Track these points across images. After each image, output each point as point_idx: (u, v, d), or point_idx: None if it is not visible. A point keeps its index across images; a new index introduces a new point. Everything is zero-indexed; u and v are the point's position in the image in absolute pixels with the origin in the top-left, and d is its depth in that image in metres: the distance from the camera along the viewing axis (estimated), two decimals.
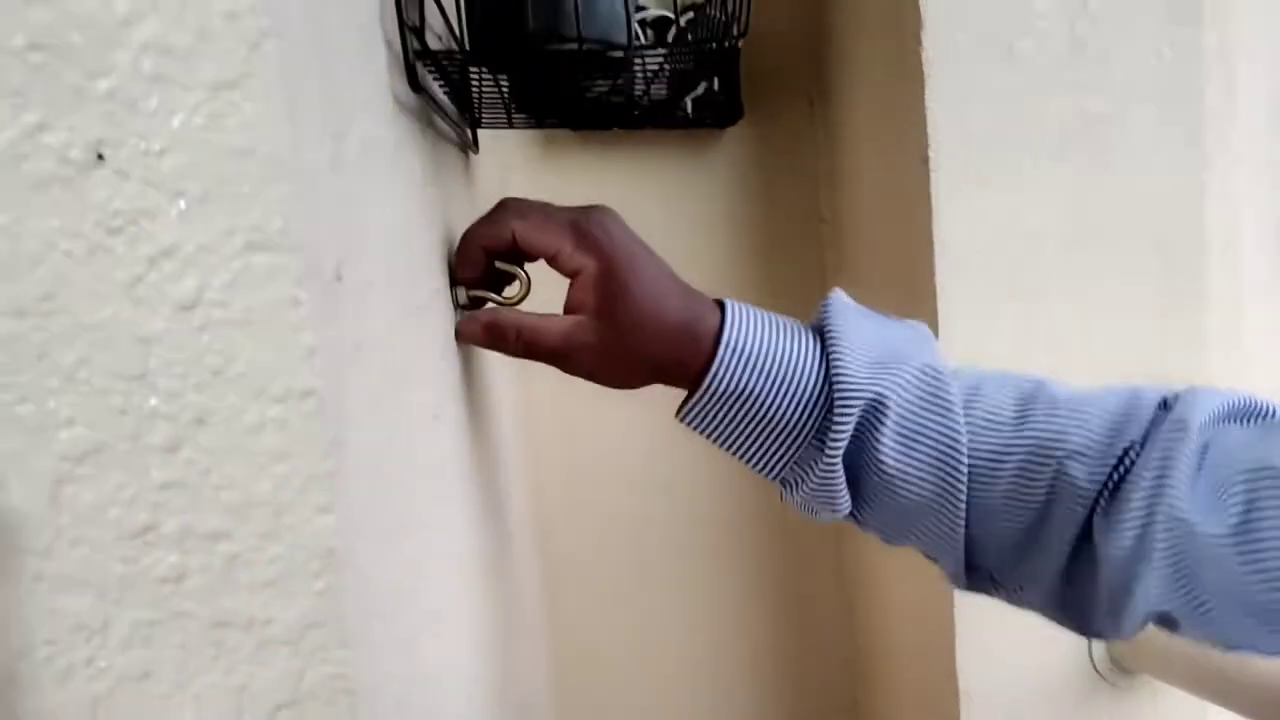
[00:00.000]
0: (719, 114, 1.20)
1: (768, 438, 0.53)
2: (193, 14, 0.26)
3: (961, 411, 0.51)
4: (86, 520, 0.28)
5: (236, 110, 0.26)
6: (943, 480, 0.51)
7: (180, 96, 0.26)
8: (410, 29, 0.45)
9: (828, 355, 0.52)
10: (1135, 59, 0.97)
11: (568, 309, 0.53)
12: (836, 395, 0.51)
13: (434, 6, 0.53)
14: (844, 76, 1.21)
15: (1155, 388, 0.52)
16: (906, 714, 1.20)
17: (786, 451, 0.53)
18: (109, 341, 0.27)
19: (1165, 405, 0.51)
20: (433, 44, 0.57)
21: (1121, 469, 0.49)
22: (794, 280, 1.29)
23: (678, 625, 1.34)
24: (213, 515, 0.28)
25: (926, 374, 0.52)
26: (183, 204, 0.27)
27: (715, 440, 0.55)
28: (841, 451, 0.51)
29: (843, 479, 0.52)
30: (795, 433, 0.53)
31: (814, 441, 0.53)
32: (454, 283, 0.55)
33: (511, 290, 0.55)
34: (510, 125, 0.75)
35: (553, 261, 0.52)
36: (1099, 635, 0.54)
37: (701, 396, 0.53)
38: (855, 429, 0.51)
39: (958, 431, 0.51)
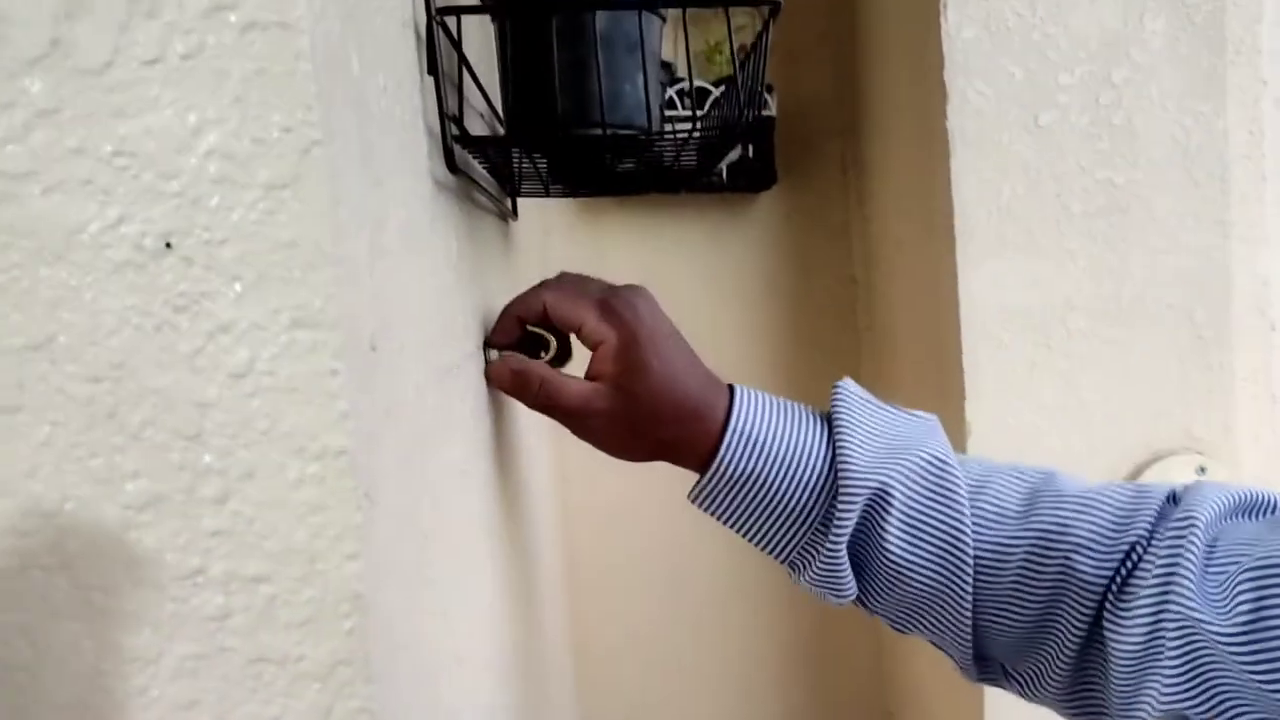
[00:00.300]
0: (753, 179, 1.24)
1: (774, 522, 0.54)
2: (253, 126, 0.30)
3: (967, 502, 0.52)
4: (145, 562, 0.32)
5: (286, 207, 0.31)
6: (948, 571, 0.52)
7: (239, 195, 0.31)
8: (450, 118, 0.50)
9: (834, 443, 0.53)
10: (1159, 133, 0.99)
11: (588, 375, 0.55)
12: (841, 483, 0.52)
13: (477, 93, 0.58)
14: (875, 145, 1.24)
15: (1162, 485, 0.53)
16: None
17: (793, 536, 0.54)
18: (171, 404, 0.31)
19: (1172, 500, 0.51)
20: (477, 126, 0.61)
21: (1129, 563, 0.49)
22: (827, 340, 1.32)
23: (707, 673, 1.35)
24: (255, 560, 0.32)
25: (933, 464, 0.52)
26: (239, 287, 0.31)
27: (725, 522, 0.56)
28: (845, 539, 0.52)
29: (847, 566, 0.53)
30: (801, 518, 0.54)
31: (819, 528, 0.54)
32: (487, 345, 0.58)
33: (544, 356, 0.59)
34: (548, 195, 0.80)
35: (579, 333, 0.54)
36: None
37: (710, 480, 0.54)
38: (860, 518, 0.52)
39: (963, 522, 0.51)
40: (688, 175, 0.75)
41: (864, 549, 0.53)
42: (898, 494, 0.51)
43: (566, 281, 0.57)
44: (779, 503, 0.54)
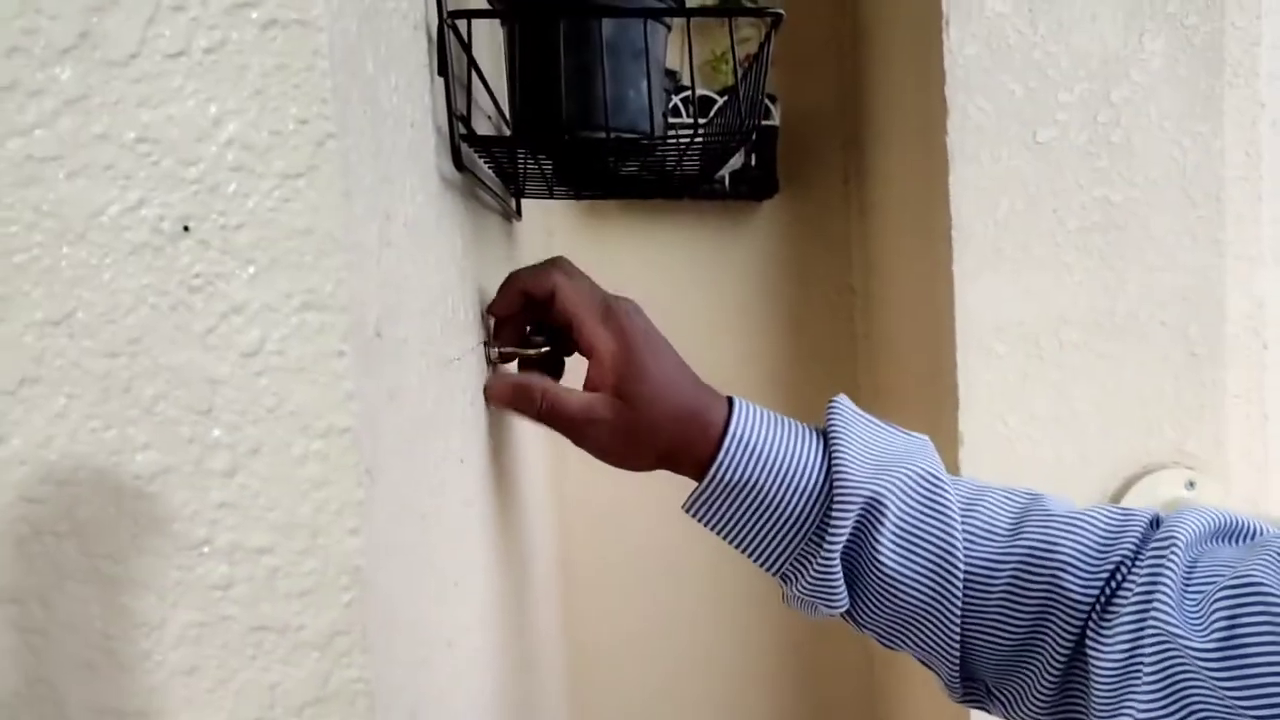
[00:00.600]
0: (755, 188, 1.26)
1: (770, 531, 0.55)
2: (271, 118, 0.32)
3: (959, 518, 0.53)
4: (153, 532, 0.34)
5: (301, 196, 0.32)
6: (939, 585, 0.53)
7: (255, 183, 0.32)
8: (458, 117, 0.51)
9: (830, 453, 0.54)
10: (1157, 152, 1.01)
11: (587, 387, 0.56)
12: (836, 492, 0.53)
13: (486, 95, 0.59)
14: (877, 157, 1.26)
15: (1146, 508, 0.54)
16: None
17: (788, 545, 0.55)
18: (183, 381, 0.33)
19: (1155, 524, 0.52)
20: (485, 127, 0.63)
21: (1113, 583, 0.50)
22: (824, 348, 1.33)
23: (700, 672, 1.36)
24: (259, 532, 0.33)
25: (926, 479, 0.54)
26: (252, 270, 0.32)
27: (720, 532, 0.57)
28: (840, 547, 0.53)
29: (840, 575, 0.54)
30: (796, 527, 0.55)
31: (814, 537, 0.54)
32: (488, 343, 0.60)
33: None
34: (551, 196, 0.81)
35: (577, 329, 0.56)
36: None
37: (707, 487, 0.55)
38: (854, 527, 0.53)
39: (955, 537, 0.52)
40: (690, 181, 0.77)
41: (856, 560, 0.54)
42: (891, 505, 0.52)
43: (575, 272, 0.58)
44: (775, 511, 0.55)
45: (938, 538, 0.53)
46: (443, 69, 0.51)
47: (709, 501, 0.56)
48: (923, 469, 0.54)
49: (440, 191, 0.50)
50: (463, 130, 0.52)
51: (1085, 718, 0.51)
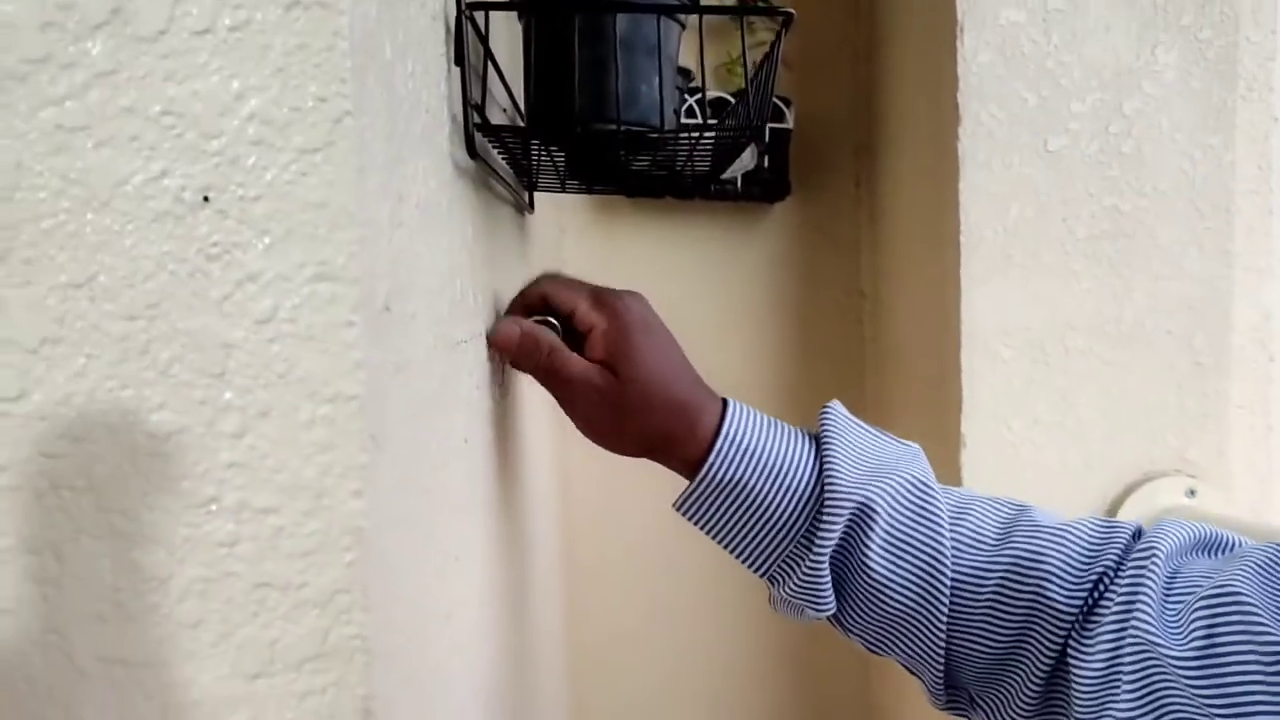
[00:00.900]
0: (767, 190, 1.27)
1: (760, 532, 0.56)
2: (291, 95, 0.33)
3: (948, 526, 0.54)
4: (164, 490, 0.35)
5: (318, 170, 0.33)
6: (926, 591, 0.53)
7: (274, 157, 0.33)
8: (472, 106, 0.53)
9: (822, 458, 0.55)
10: (1167, 163, 1.01)
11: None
12: (827, 496, 0.53)
13: (502, 87, 0.61)
14: (889, 161, 1.27)
15: (1131, 520, 0.55)
16: None
17: (777, 547, 0.56)
18: (198, 345, 0.34)
19: (1138, 536, 0.53)
20: (500, 119, 0.64)
21: (1096, 593, 0.51)
22: (833, 350, 1.34)
23: (698, 667, 1.37)
24: (266, 493, 0.35)
25: (916, 487, 0.54)
26: (268, 240, 0.34)
27: (710, 532, 0.58)
28: (829, 551, 0.53)
29: (828, 579, 0.54)
30: (786, 529, 0.55)
31: (803, 539, 0.55)
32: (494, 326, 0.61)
33: None
34: (564, 190, 0.82)
35: (572, 318, 0.57)
36: None
37: (699, 485, 0.56)
38: (844, 532, 0.54)
39: (943, 544, 0.53)
40: (701, 180, 0.78)
41: (845, 565, 0.55)
42: (881, 511, 0.53)
43: (563, 275, 0.61)
44: (765, 513, 0.55)
45: (926, 545, 0.53)
46: (459, 59, 0.52)
47: (700, 500, 0.57)
48: (914, 477, 0.55)
49: (453, 178, 0.52)
50: (477, 119, 0.53)
51: None
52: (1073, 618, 0.51)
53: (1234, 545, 0.53)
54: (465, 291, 0.55)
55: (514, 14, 0.60)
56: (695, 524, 0.58)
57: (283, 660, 0.35)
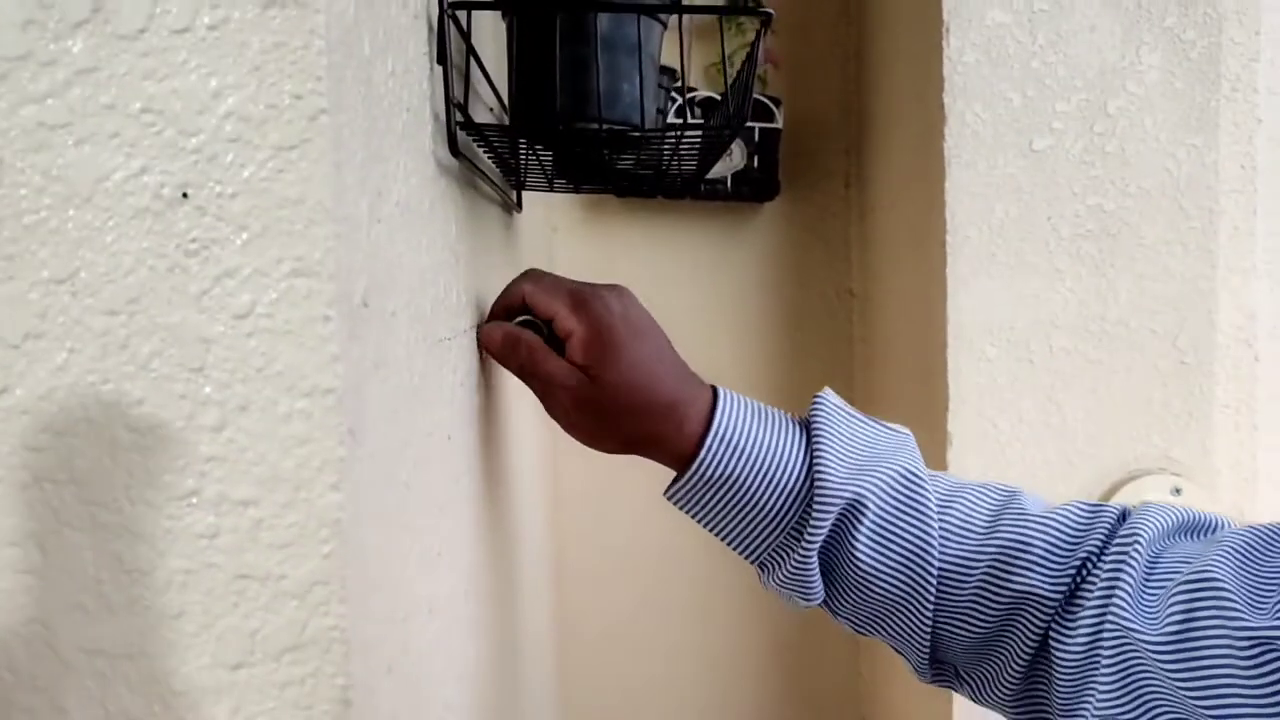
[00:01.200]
0: (757, 189, 1.27)
1: (749, 524, 0.57)
2: (267, 93, 0.34)
3: (936, 516, 0.54)
4: (145, 483, 0.35)
5: (294, 167, 0.34)
6: (913, 580, 0.54)
7: (251, 154, 0.34)
8: (455, 104, 0.53)
9: (812, 452, 0.55)
10: (1151, 163, 1.02)
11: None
12: (817, 492, 0.54)
13: (487, 87, 0.61)
14: (878, 162, 1.28)
15: (1116, 505, 0.55)
16: None
17: (766, 539, 0.57)
18: (178, 339, 0.35)
19: (1123, 519, 0.54)
20: (486, 117, 0.65)
21: (1079, 577, 0.52)
22: (822, 349, 1.35)
23: (689, 663, 1.37)
24: (245, 485, 0.35)
25: (905, 477, 0.55)
26: (245, 236, 0.34)
27: (700, 520, 0.58)
28: (817, 546, 0.54)
29: (816, 570, 0.55)
30: (775, 522, 0.56)
31: (792, 532, 0.56)
32: (480, 326, 0.62)
33: None
34: (551, 189, 0.83)
35: (554, 323, 0.57)
36: None
37: (689, 479, 0.56)
38: (833, 525, 0.54)
39: (930, 535, 0.54)
40: (689, 179, 0.79)
41: (833, 555, 0.55)
42: (871, 504, 0.54)
43: (542, 275, 0.60)
44: (755, 506, 0.56)
45: (914, 535, 0.54)
46: (441, 57, 0.52)
47: (689, 493, 0.57)
48: (903, 468, 0.55)
49: (435, 176, 0.52)
50: (459, 117, 0.54)
51: (1049, 705, 0.53)
52: (1056, 603, 0.52)
53: (1218, 527, 0.53)
54: (449, 289, 0.55)
55: (491, 11, 0.61)
56: (684, 512, 0.58)
57: (263, 650, 0.36)
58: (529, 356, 0.57)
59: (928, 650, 0.56)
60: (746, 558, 0.58)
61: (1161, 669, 0.45)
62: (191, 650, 0.36)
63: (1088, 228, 1.02)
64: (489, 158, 0.67)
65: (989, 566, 0.53)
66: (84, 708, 0.36)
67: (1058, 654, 0.51)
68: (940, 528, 0.54)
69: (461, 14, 0.53)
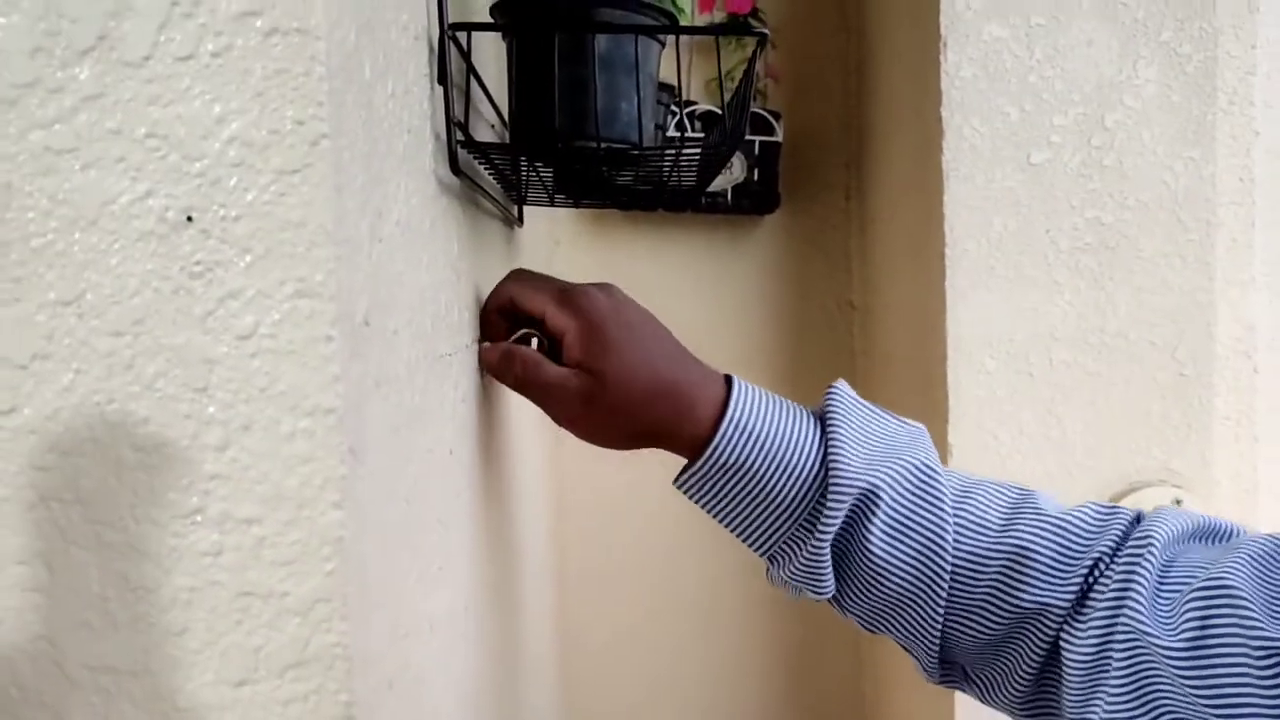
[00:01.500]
0: (757, 202, 1.28)
1: (761, 514, 0.55)
2: (270, 118, 0.34)
3: (951, 510, 0.53)
4: (150, 501, 0.36)
5: (296, 191, 0.35)
6: (926, 574, 0.53)
7: (254, 178, 0.35)
8: (455, 123, 0.54)
9: (827, 442, 0.55)
10: (1148, 176, 1.03)
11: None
12: (831, 482, 0.53)
13: (488, 105, 0.62)
14: (877, 174, 1.28)
15: (1132, 508, 0.54)
16: None
17: (778, 530, 0.55)
18: (182, 360, 0.35)
19: (1138, 521, 0.53)
20: (488, 135, 0.66)
21: (1090, 580, 0.51)
22: (824, 362, 1.35)
23: (692, 672, 1.37)
24: (248, 504, 0.36)
25: (921, 470, 0.54)
26: (249, 259, 0.35)
27: (710, 510, 0.57)
28: (830, 537, 0.53)
29: (829, 563, 0.54)
30: (788, 513, 0.55)
31: (805, 523, 0.55)
32: (480, 341, 0.62)
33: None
34: (553, 204, 0.84)
35: (544, 324, 0.57)
36: None
37: (702, 466, 0.55)
38: (846, 517, 0.53)
39: (945, 529, 0.53)
40: (689, 193, 0.79)
41: (846, 548, 0.55)
42: (885, 496, 0.53)
43: (526, 275, 0.60)
44: (768, 495, 0.55)
45: (928, 528, 0.53)
46: (442, 78, 0.53)
47: (700, 481, 0.56)
48: (919, 461, 0.54)
49: (436, 194, 0.53)
50: (460, 136, 0.55)
51: (1059, 708, 0.52)
52: (1067, 607, 0.51)
53: (1233, 534, 0.53)
54: (450, 305, 0.56)
55: (491, 32, 0.62)
56: (694, 501, 0.57)
57: (266, 667, 0.36)
58: (524, 369, 0.57)
59: (937, 649, 0.55)
60: (756, 549, 0.57)
61: (1175, 674, 0.45)
62: (195, 667, 0.36)
63: (1086, 241, 1.02)
64: (490, 174, 0.67)
65: (1001, 568, 0.53)
66: None
67: (1068, 655, 0.50)
68: (955, 522, 0.54)
69: (462, 35, 0.54)
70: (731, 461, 0.55)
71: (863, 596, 0.56)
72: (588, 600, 1.35)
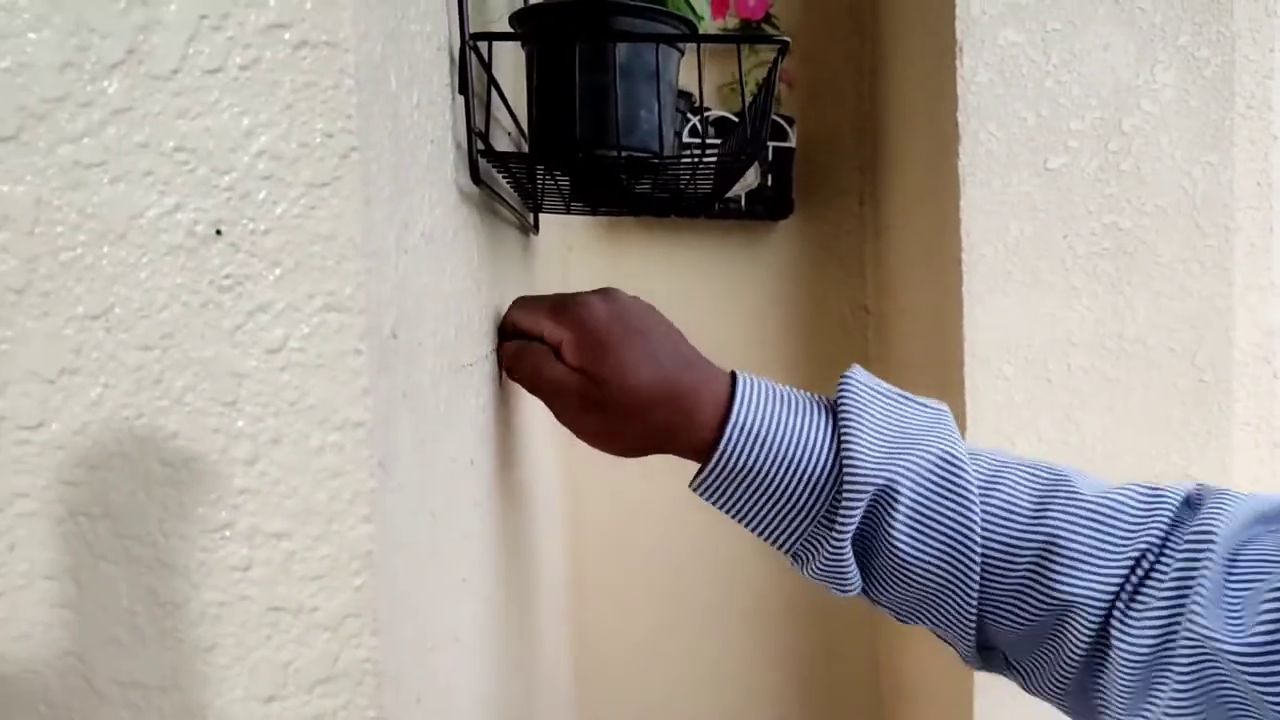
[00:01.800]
0: (771, 208, 1.28)
1: (777, 515, 0.54)
2: (299, 131, 0.34)
3: (978, 499, 0.51)
4: (179, 516, 0.36)
5: (325, 204, 0.34)
6: (956, 568, 0.51)
7: (284, 191, 0.34)
8: (476, 133, 0.54)
9: (840, 437, 0.53)
10: (1167, 181, 1.02)
11: None
12: (846, 480, 0.51)
13: (506, 113, 0.62)
14: (892, 179, 1.28)
15: (1179, 486, 0.51)
16: None
17: (796, 529, 0.54)
18: (211, 374, 0.35)
19: (1189, 503, 0.51)
20: (505, 144, 0.65)
21: (1140, 570, 0.49)
22: (838, 367, 1.34)
23: (706, 682, 1.37)
24: (278, 518, 0.35)
25: (943, 460, 0.52)
26: (278, 272, 0.35)
27: (727, 512, 0.56)
28: (849, 535, 0.51)
29: (851, 560, 0.53)
30: (805, 512, 0.53)
31: (823, 521, 0.53)
32: (498, 349, 0.62)
33: None
34: (569, 211, 0.84)
35: (544, 339, 0.57)
36: None
37: (710, 472, 0.54)
38: (866, 513, 0.52)
39: (973, 520, 0.51)
40: (705, 200, 0.79)
41: (870, 543, 0.53)
42: (905, 490, 0.51)
43: (526, 300, 0.61)
44: (782, 497, 0.53)
45: (954, 521, 0.51)
46: (463, 88, 0.53)
47: (713, 485, 0.55)
48: (939, 451, 0.52)
49: (457, 204, 0.53)
50: (481, 146, 0.54)
51: (1105, 698, 0.50)
52: (1111, 598, 0.49)
53: None
54: (471, 315, 0.56)
55: (511, 42, 0.62)
56: (710, 503, 0.56)
57: (295, 683, 0.36)
58: (532, 365, 0.57)
59: (974, 638, 0.54)
60: (778, 548, 0.56)
61: (1244, 678, 0.43)
62: (225, 683, 0.36)
63: (1104, 246, 1.02)
64: (507, 182, 0.67)
65: (1036, 557, 0.51)
66: None
67: (1121, 651, 0.48)
68: (983, 511, 0.51)
69: (483, 45, 0.54)
70: (739, 466, 0.53)
71: (891, 591, 0.54)
72: (602, 609, 1.35)
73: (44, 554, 0.35)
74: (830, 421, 0.54)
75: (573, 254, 1.31)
